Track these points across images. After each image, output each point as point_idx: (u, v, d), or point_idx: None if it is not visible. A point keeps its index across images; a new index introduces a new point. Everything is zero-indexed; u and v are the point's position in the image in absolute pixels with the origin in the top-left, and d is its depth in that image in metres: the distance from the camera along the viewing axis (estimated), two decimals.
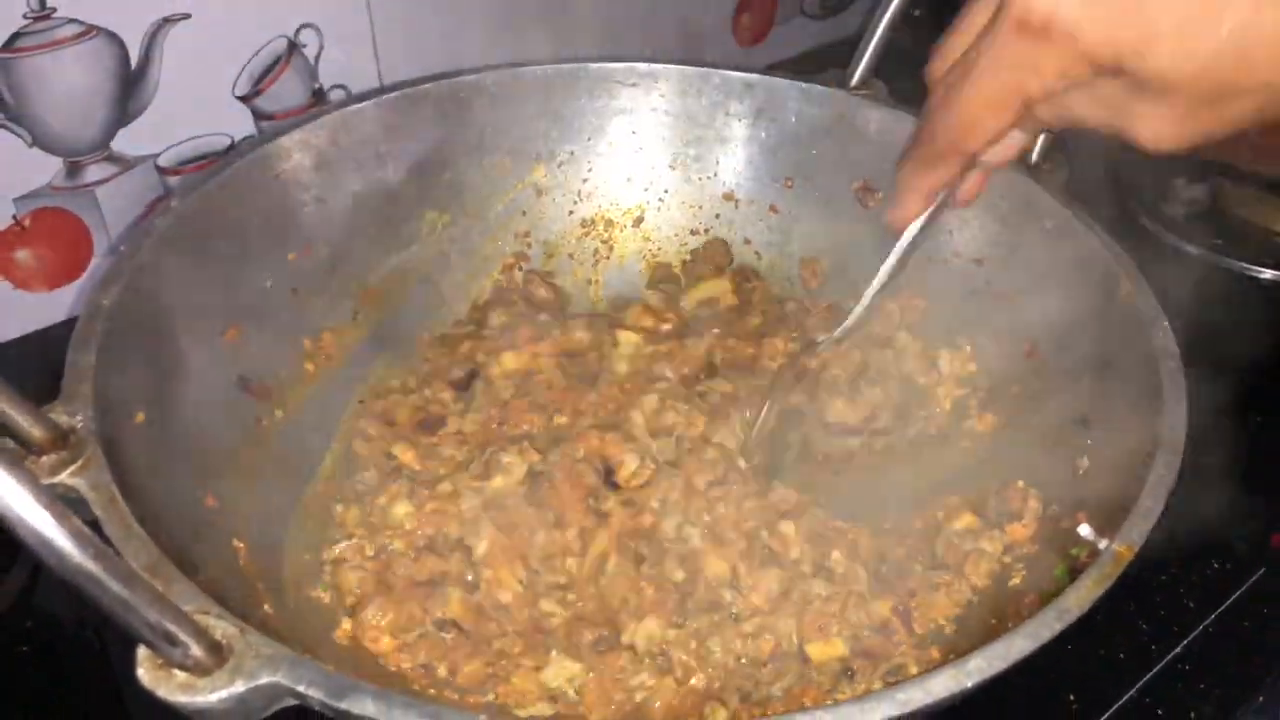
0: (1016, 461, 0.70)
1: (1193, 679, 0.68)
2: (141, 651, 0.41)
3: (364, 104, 0.79)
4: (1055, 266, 0.73)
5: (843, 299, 0.86)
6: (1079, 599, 0.48)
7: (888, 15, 0.81)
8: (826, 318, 0.85)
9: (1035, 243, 0.74)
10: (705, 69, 0.87)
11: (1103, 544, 0.52)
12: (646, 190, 0.91)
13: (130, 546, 0.47)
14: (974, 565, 0.66)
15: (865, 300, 0.70)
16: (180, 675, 0.41)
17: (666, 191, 0.91)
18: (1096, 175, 1.14)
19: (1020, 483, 0.68)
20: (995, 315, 0.77)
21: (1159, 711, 0.66)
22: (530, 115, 0.85)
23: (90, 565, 0.37)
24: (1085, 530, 0.59)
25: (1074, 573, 0.51)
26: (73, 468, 0.50)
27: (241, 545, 0.62)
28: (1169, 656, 0.69)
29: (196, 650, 0.41)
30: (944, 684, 0.44)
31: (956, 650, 0.61)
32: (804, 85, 0.85)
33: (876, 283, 0.69)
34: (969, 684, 0.44)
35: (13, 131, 0.85)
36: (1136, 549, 0.50)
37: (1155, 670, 0.68)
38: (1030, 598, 0.59)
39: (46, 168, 0.88)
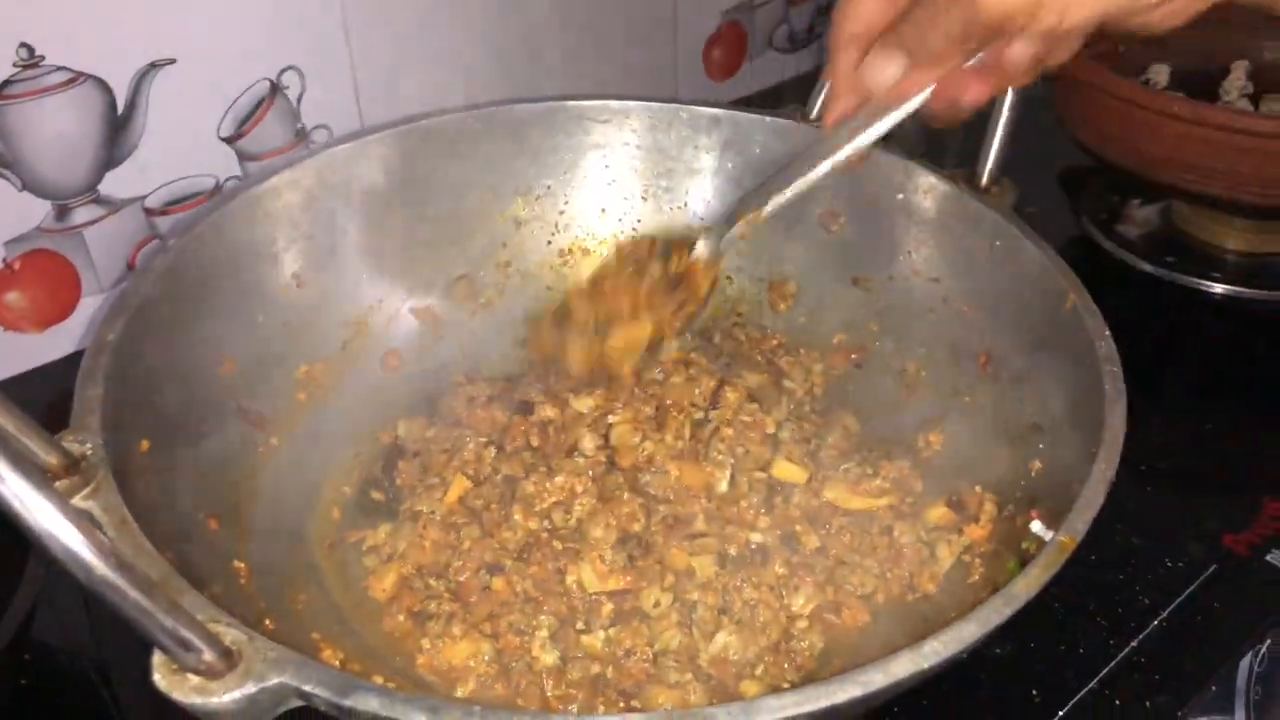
0: (973, 466, 0.74)
1: (1149, 671, 0.71)
2: (157, 658, 0.44)
3: (350, 144, 0.82)
4: (1006, 282, 0.76)
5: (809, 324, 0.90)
6: (1026, 585, 0.51)
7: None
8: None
9: (986, 260, 0.78)
10: (674, 105, 0.91)
11: (1048, 536, 0.56)
12: (620, 220, 0.94)
13: (142, 563, 0.49)
14: (923, 571, 0.71)
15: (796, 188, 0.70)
16: (194, 679, 0.44)
17: (639, 221, 0.94)
18: (1055, 202, 1.18)
19: (977, 487, 0.72)
20: (952, 329, 0.81)
21: (1117, 702, 0.69)
22: (509, 152, 0.89)
23: (113, 576, 0.40)
24: (1037, 526, 0.62)
25: (1025, 565, 0.54)
26: (85, 491, 0.53)
27: (242, 565, 0.65)
28: (1126, 650, 0.72)
29: (209, 655, 0.44)
30: (904, 666, 0.47)
31: None
32: (768, 119, 0.89)
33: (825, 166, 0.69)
34: (926, 665, 0.47)
35: (3, 177, 0.87)
36: (1079, 538, 0.53)
37: (1113, 664, 0.71)
38: (986, 592, 0.62)
39: (36, 211, 0.90)
